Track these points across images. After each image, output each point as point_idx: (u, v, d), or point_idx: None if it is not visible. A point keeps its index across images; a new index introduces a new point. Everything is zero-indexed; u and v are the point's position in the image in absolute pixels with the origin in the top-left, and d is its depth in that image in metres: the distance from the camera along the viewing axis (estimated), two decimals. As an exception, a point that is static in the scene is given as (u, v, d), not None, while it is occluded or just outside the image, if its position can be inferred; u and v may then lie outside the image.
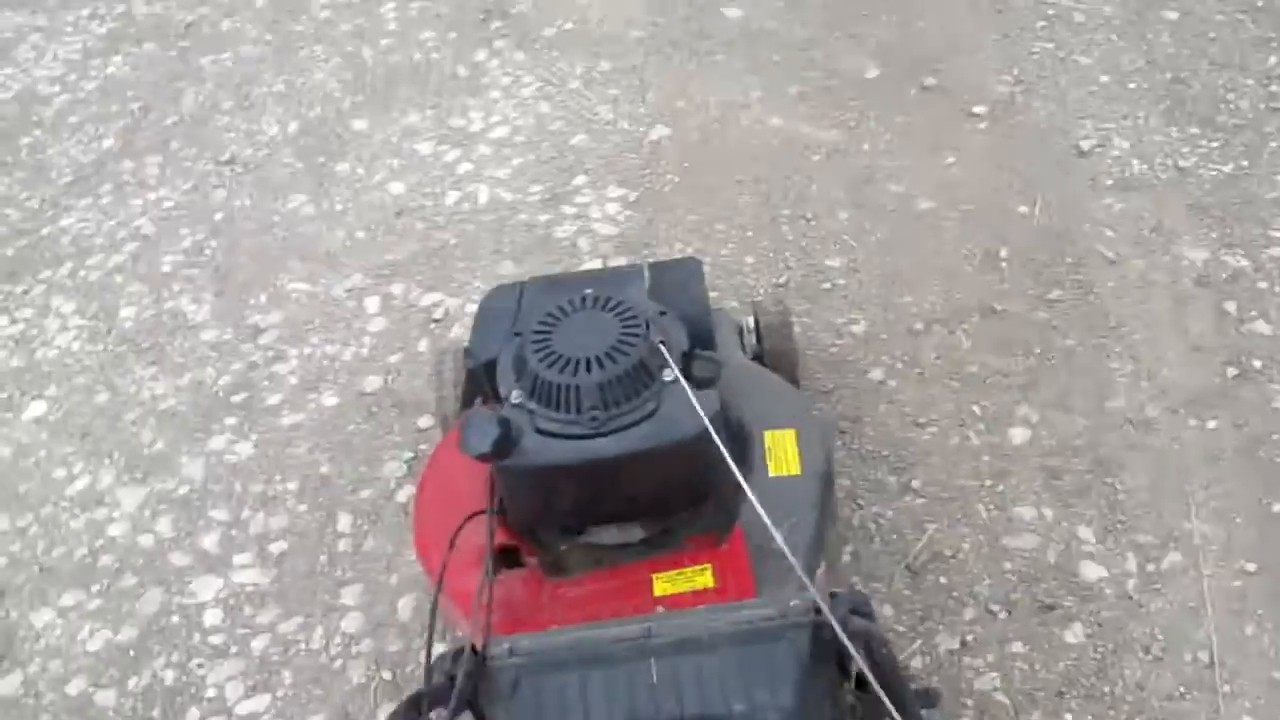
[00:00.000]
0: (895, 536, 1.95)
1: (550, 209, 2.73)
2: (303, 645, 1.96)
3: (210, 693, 1.92)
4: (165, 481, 2.29)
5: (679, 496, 1.60)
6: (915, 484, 2.03)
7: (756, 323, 2.08)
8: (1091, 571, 1.87)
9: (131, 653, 2.00)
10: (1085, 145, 2.69)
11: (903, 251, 2.49)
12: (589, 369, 1.49)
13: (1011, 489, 2.00)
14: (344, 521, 2.14)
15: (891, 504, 2.00)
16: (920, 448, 2.09)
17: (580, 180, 2.80)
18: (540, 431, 1.50)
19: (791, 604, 1.36)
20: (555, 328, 1.57)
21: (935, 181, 2.66)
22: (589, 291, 1.62)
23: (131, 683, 1.96)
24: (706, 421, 1.46)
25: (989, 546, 1.92)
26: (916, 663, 1.78)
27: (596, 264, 2.54)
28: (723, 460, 1.58)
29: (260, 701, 1.89)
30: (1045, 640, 1.79)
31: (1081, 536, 1.92)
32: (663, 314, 1.63)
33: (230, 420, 2.39)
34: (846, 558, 1.93)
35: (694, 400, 1.48)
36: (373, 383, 2.40)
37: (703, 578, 1.51)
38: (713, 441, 1.53)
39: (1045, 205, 2.54)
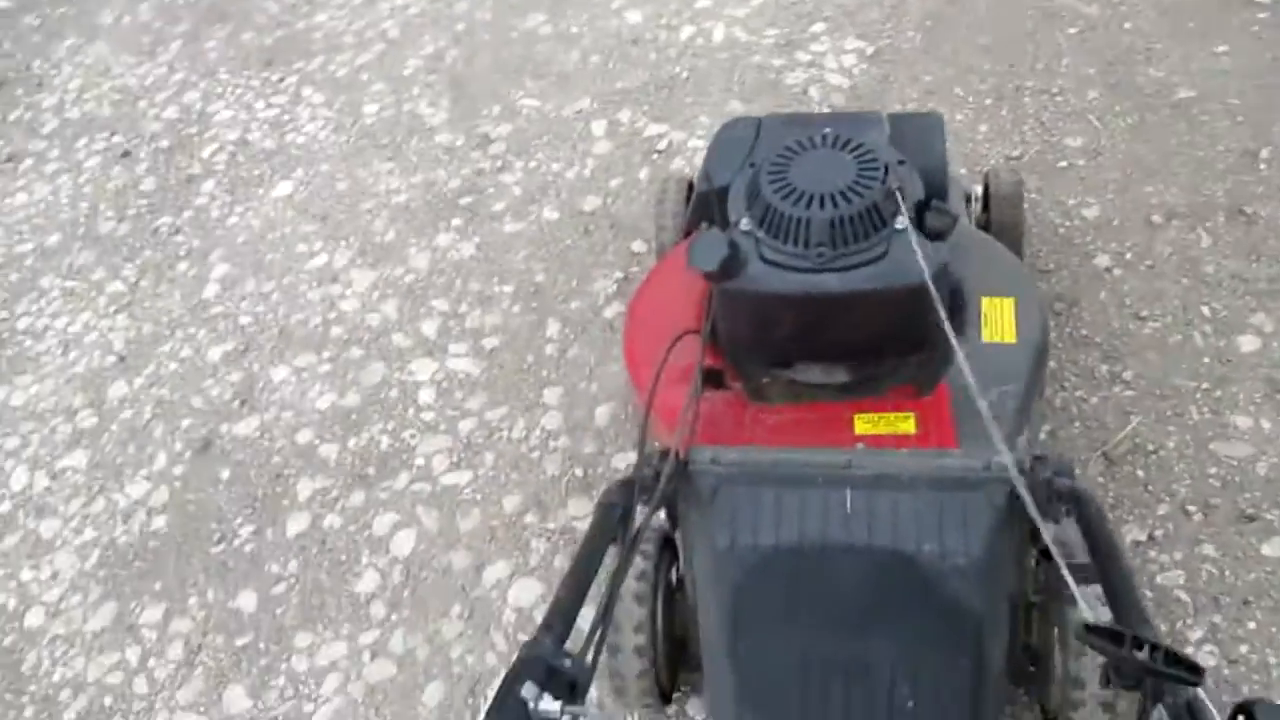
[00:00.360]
0: (1096, 424, 1.92)
1: (784, 54, 2.69)
2: (505, 433, 2.11)
3: (419, 461, 2.10)
4: (394, 269, 2.46)
5: (891, 343, 1.61)
6: (1126, 375, 1.97)
7: (986, 190, 2.03)
8: (1303, 490, 1.80)
9: (353, 416, 2.21)
10: (1382, 48, 2.45)
11: (1152, 140, 2.35)
12: (822, 205, 1.51)
13: (1230, 396, 1.93)
14: (553, 328, 2.26)
15: (1098, 391, 1.96)
16: (1137, 341, 2.02)
17: (819, 28, 2.74)
18: (766, 260, 1.53)
19: (995, 459, 1.38)
20: (793, 161, 1.58)
21: (1200, 70, 2.47)
22: (829, 130, 1.62)
23: (352, 441, 2.16)
24: (928, 274, 1.46)
25: (1195, 448, 1.87)
26: (1098, 548, 1.77)
27: (821, 109, 2.51)
28: (929, 313, 1.59)
29: (462, 476, 2.06)
30: (1240, 549, 1.74)
31: (1299, 455, 1.84)
32: (901, 162, 1.61)
33: (456, 221, 2.52)
34: (1043, 436, 1.91)
35: (922, 250, 1.48)
36: (592, 202, 2.48)
37: (905, 424, 1.54)
38: (926, 293, 1.54)
39: (1322, 108, 2.34)
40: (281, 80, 3.02)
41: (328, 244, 2.55)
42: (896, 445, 1.49)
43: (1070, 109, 2.44)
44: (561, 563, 1.90)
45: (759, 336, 1.62)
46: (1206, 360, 1.98)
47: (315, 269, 2.50)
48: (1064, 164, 2.33)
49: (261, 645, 1.91)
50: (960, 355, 1.41)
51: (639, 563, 1.58)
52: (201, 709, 1.85)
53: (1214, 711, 0.85)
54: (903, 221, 1.52)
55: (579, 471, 2.02)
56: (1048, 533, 1.18)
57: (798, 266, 1.51)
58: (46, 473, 2.26)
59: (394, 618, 1.90)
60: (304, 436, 2.19)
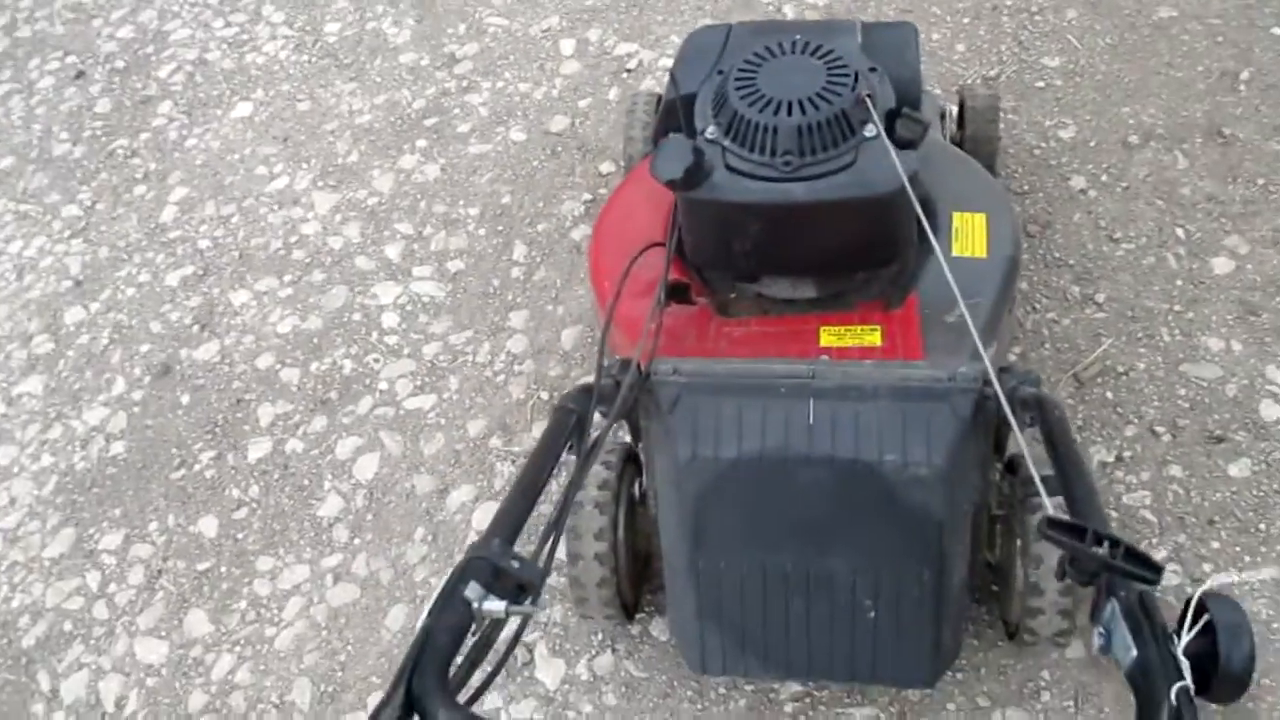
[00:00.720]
0: (1067, 346, 1.90)
1: (761, -28, 2.62)
2: (470, 357, 2.07)
3: (383, 385, 2.07)
4: (356, 191, 2.40)
5: (860, 255, 1.58)
6: (1099, 298, 1.95)
7: (962, 106, 1.99)
8: (1272, 412, 1.79)
9: (315, 340, 2.16)
10: (1367, -33, 2.40)
11: (1131, 60, 2.31)
12: (789, 112, 1.46)
13: (1202, 318, 1.91)
14: (519, 251, 2.21)
15: (1070, 313, 1.94)
16: (1111, 262, 1.99)
17: (795, -55, 2.66)
18: (731, 169, 1.49)
19: (960, 370, 1.36)
20: (761, 68, 1.53)
21: (1183, -11, 2.43)
22: (799, 37, 1.57)
23: (314, 366, 2.12)
24: (905, 179, 1.42)
25: (1165, 370, 1.85)
26: (1066, 468, 1.76)
27: (799, 33, 2.45)
28: (909, 225, 1.56)
29: (426, 400, 2.03)
30: (1206, 469, 1.74)
31: (1269, 376, 1.83)
32: (873, 70, 1.57)
33: (421, 142, 2.46)
34: (1013, 357, 1.89)
35: (895, 158, 1.44)
36: (560, 123, 2.42)
37: (871, 336, 1.51)
38: (904, 202, 1.50)
39: (1306, 28, 2.30)
40: (240, -2, 2.92)
41: (288, 166, 2.48)
42: (862, 357, 1.46)
43: (1049, 28, 2.38)
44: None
45: (724, 248, 1.58)
46: (1179, 282, 1.96)
47: (276, 191, 2.44)
48: (1041, 84, 2.28)
49: (223, 570, 1.88)
50: (943, 260, 1.39)
51: (601, 472, 1.56)
52: (162, 633, 1.83)
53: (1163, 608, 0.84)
54: (872, 129, 1.48)
55: (544, 395, 1.99)
56: (1022, 438, 1.16)
57: (764, 175, 1.47)
58: (2, 399, 2.21)
59: (357, 541, 1.87)
60: (265, 361, 2.15)
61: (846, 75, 1.49)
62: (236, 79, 2.72)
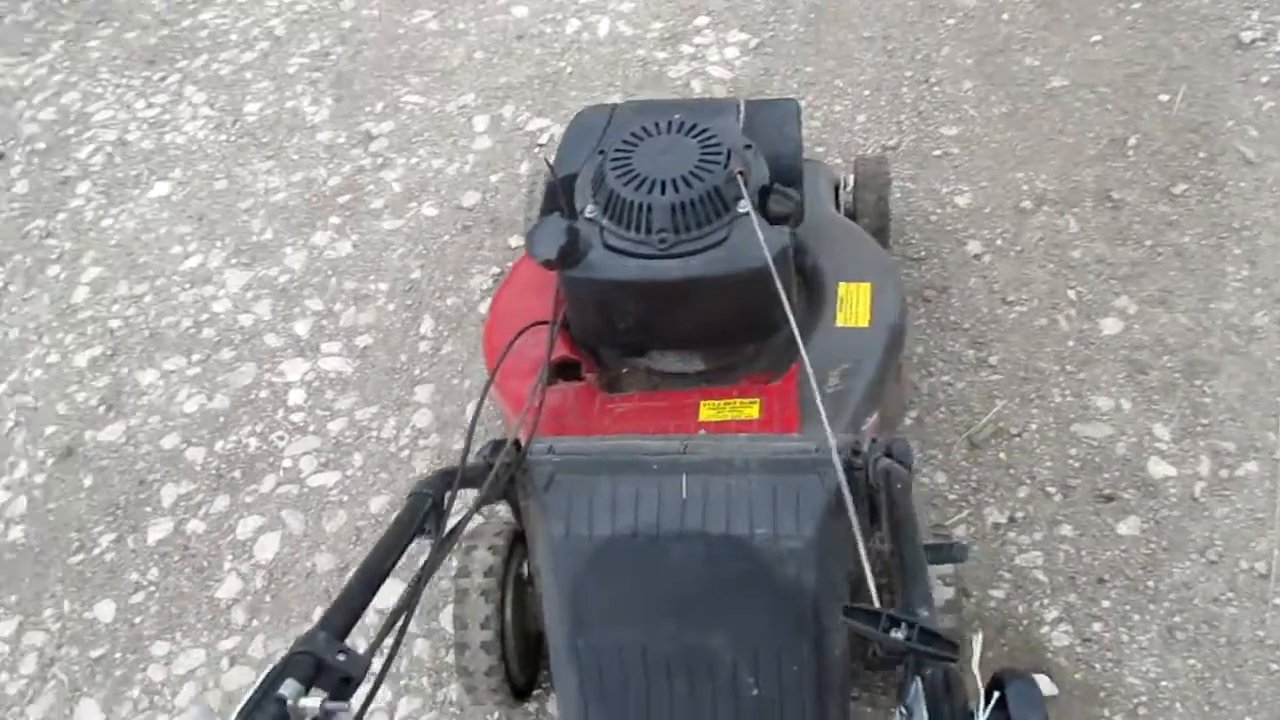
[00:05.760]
0: (961, 408, 1.93)
1: (668, 47, 2.68)
2: (375, 433, 2.07)
3: (287, 463, 2.06)
4: (269, 269, 2.40)
5: (739, 329, 1.60)
6: (992, 360, 1.98)
7: (856, 176, 2.03)
8: (1160, 469, 1.82)
9: (222, 419, 2.15)
10: (1247, 37, 2.49)
11: (1024, 128, 2.37)
12: (664, 190, 1.49)
13: (1092, 378, 1.94)
14: (427, 325, 2.23)
15: (964, 376, 1.97)
16: (1004, 325, 2.03)
17: (702, 20, 2.73)
18: (609, 247, 1.52)
19: (824, 443, 1.37)
20: (637, 148, 1.57)
21: (1074, 59, 2.50)
22: (677, 117, 1.61)
23: (219, 445, 2.11)
24: (769, 257, 1.45)
25: (1057, 431, 1.88)
26: (961, 530, 1.78)
27: (706, 106, 2.50)
28: (775, 299, 1.58)
29: (330, 477, 2.02)
30: (1097, 529, 1.76)
31: (1157, 434, 1.86)
32: (748, 147, 1.60)
33: (335, 219, 2.48)
34: (909, 422, 1.91)
35: (762, 234, 1.47)
36: (471, 198, 2.45)
37: (749, 409, 1.53)
38: (775, 276, 1.53)
39: (1188, 95, 2.37)
40: (163, 79, 2.95)
41: (203, 244, 2.49)
42: (739, 430, 1.47)
43: (945, 98, 2.45)
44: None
45: (606, 324, 1.60)
46: (1070, 343, 2.00)
47: (189, 270, 2.44)
48: (939, 152, 2.34)
49: (118, 656, 1.85)
50: (794, 327, 1.41)
51: (487, 557, 1.56)
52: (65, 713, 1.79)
53: (975, 683, 0.85)
54: (745, 205, 1.51)
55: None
56: (853, 509, 1.16)
57: (639, 253, 1.50)
58: (-98, 485, 2.18)
59: (255, 623, 1.85)
60: (170, 441, 2.13)
61: (719, 153, 1.53)
62: (155, 159, 2.73)
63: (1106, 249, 2.13)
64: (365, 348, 2.21)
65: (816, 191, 1.94)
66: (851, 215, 2.01)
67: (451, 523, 1.27)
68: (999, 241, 2.17)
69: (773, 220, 1.52)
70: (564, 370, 1.71)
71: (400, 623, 1.04)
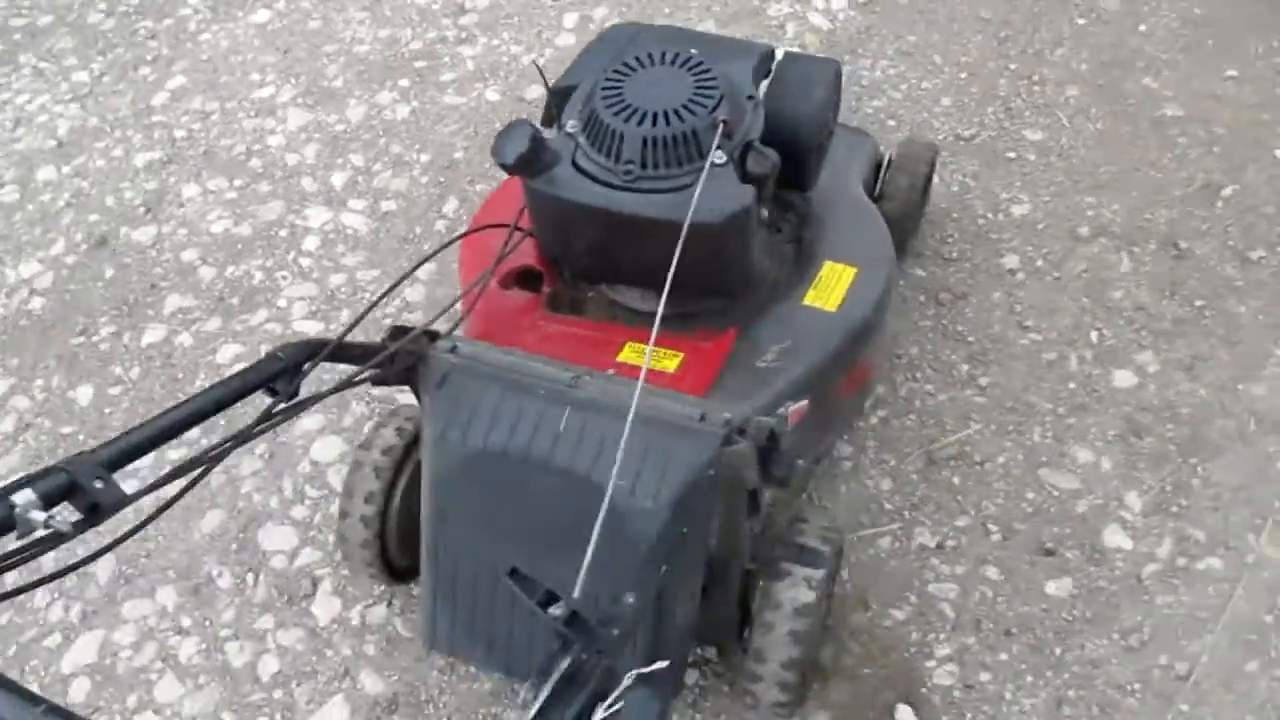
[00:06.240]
0: (933, 421, 1.84)
1: (781, -18, 2.57)
2: (369, 295, 2.11)
3: (281, 303, 2.12)
4: (328, 115, 2.45)
5: (690, 281, 1.54)
6: (983, 380, 1.88)
7: (895, 158, 1.93)
8: (1115, 539, 1.70)
9: (239, 246, 2.23)
10: (1405, 109, 2.22)
11: (1115, 151, 2.20)
12: (640, 121, 1.44)
13: (1081, 426, 1.82)
14: (451, 205, 2.24)
15: (949, 390, 1.87)
16: (1011, 349, 1.91)
17: (822, -36, 2.61)
18: (576, 166, 1.48)
19: (719, 414, 1.33)
20: (634, 74, 1.52)
21: (1198, 91, 2.29)
22: (693, 52, 1.54)
23: (230, 269, 2.19)
24: (721, 215, 1.40)
25: (1023, 470, 1.77)
26: (884, 543, 1.71)
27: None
28: (742, 260, 1.53)
29: (314, 326, 2.07)
30: (1024, 579, 1.66)
31: (1127, 502, 1.73)
32: (750, 98, 1.54)
33: (404, 82, 2.50)
34: (874, 420, 1.84)
35: (724, 190, 1.42)
36: (535, 91, 2.43)
37: (668, 362, 1.49)
38: (734, 237, 1.48)
39: (1312, 158, 2.15)
40: (299, -89, 3.00)
41: (279, 78, 2.55)
42: (652, 380, 1.43)
43: (1043, 100, 2.28)
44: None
45: (562, 243, 1.58)
46: (1072, 385, 1.87)
47: (258, 99, 2.51)
48: (1013, 155, 2.19)
49: (81, 438, 1.97)
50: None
51: (390, 437, 1.59)
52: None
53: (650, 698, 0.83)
54: (721, 156, 1.45)
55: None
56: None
57: (603, 179, 1.46)
58: (-42, 235, 2.35)
59: (204, 442, 1.94)
60: (189, 255, 2.23)
61: (709, 97, 1.46)
62: (266, -14, 2.80)
63: (1151, 298, 1.97)
64: (387, 212, 2.25)
65: (845, 162, 1.85)
66: (876, 196, 1.91)
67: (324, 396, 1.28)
68: (1039, 262, 2.03)
69: (746, 179, 1.46)
70: (526, 279, 1.70)
71: (198, 473, 1.07)
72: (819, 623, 1.45)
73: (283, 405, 1.22)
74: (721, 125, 1.45)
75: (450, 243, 1.56)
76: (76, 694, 1.67)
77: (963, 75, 2.34)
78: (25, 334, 2.14)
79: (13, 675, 1.65)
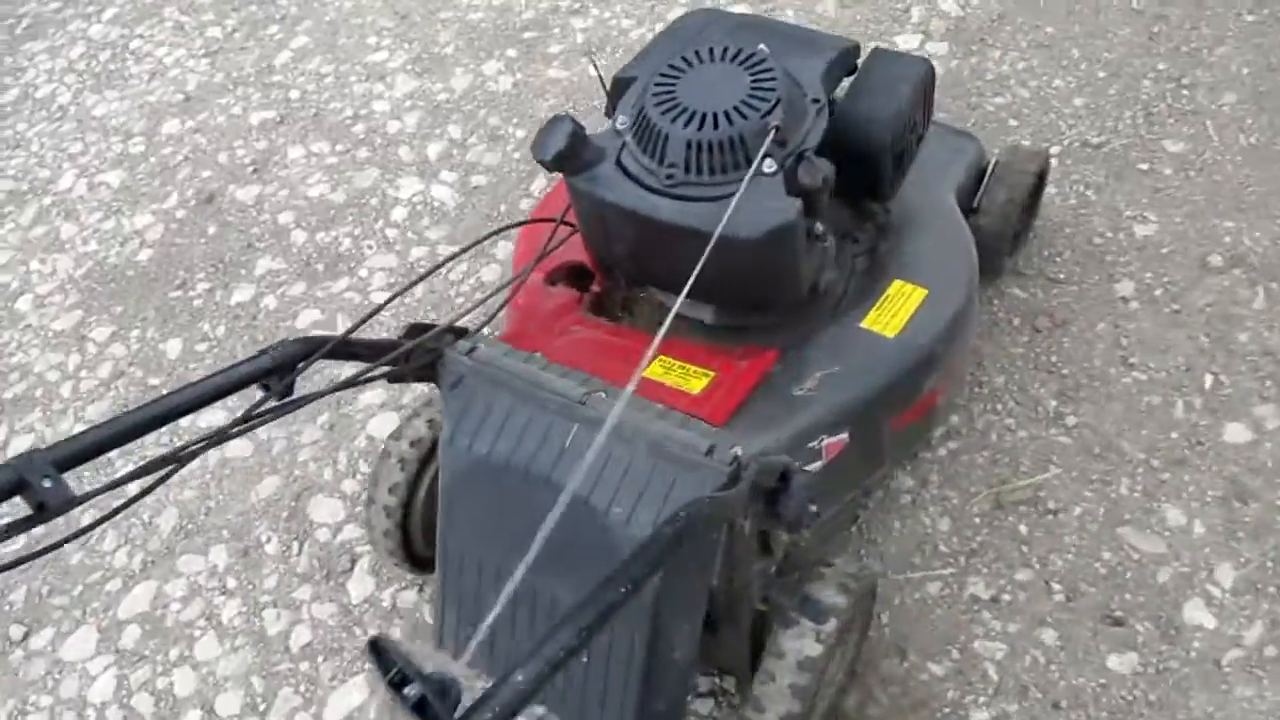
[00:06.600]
0: (1007, 460, 1.68)
1: (911, -38, 2.39)
2: (446, 272, 2.10)
3: (363, 272, 2.14)
4: (434, 83, 2.45)
5: (731, 295, 1.46)
6: (1070, 420, 1.70)
7: (995, 166, 1.76)
8: (1197, 615, 1.52)
9: (332, 212, 2.26)
10: None
11: (1269, 171, 1.94)
12: (687, 123, 1.35)
13: (1177, 484, 1.63)
14: (539, 184, 2.20)
15: (1031, 426, 1.71)
16: (1110, 387, 1.73)
17: (962, -58, 2.40)
18: (620, 165, 1.41)
19: (729, 448, 1.24)
20: (691, 70, 1.42)
21: (1389, 105, 2.00)
22: (750, 48, 1.43)
23: (320, 235, 2.22)
24: (760, 230, 1.30)
25: (1100, 526, 1.60)
26: (932, 588, 1.59)
27: (914, 40, 2.22)
28: (790, 276, 1.43)
29: (382, 297, 2.07)
30: (1084, 649, 1.51)
31: (1217, 575, 1.55)
32: (815, 101, 1.42)
33: (511, 52, 2.46)
34: (943, 451, 1.70)
35: (770, 203, 1.31)
36: (637, 70, 2.35)
37: (694, 382, 1.40)
38: (779, 253, 1.37)
39: None
40: None
41: (394, 42, 2.56)
42: (665, 398, 1.36)
43: (1191, 107, 2.04)
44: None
45: (603, 244, 1.50)
46: (1175, 435, 1.67)
47: (371, 63, 2.53)
48: (1146, 167, 1.97)
49: (165, 391, 2.05)
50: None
51: (420, 428, 1.57)
52: (104, 427, 2.03)
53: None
54: (772, 165, 1.34)
55: (488, 331, 1.99)
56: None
57: (645, 182, 1.38)
58: (89, 183, 2.47)
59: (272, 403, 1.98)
60: (285, 217, 2.27)
61: (765, 99, 1.36)
62: (396, -53, 2.81)
63: (1283, 343, 1.74)
64: (476, 187, 2.23)
65: (941, 168, 1.70)
66: (972, 209, 1.75)
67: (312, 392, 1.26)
68: (1158, 291, 1.82)
69: (792, 189, 1.34)
70: (576, 276, 1.64)
71: (165, 472, 1.06)
72: (830, 676, 1.35)
73: (272, 404, 1.21)
74: (774, 131, 1.34)
75: (485, 238, 1.52)
76: (127, 640, 1.74)
77: (1101, 73, 2.12)
78: (131, 283, 2.24)
79: (74, 614, 1.75)
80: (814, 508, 1.23)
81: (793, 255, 1.38)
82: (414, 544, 1.60)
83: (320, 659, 1.67)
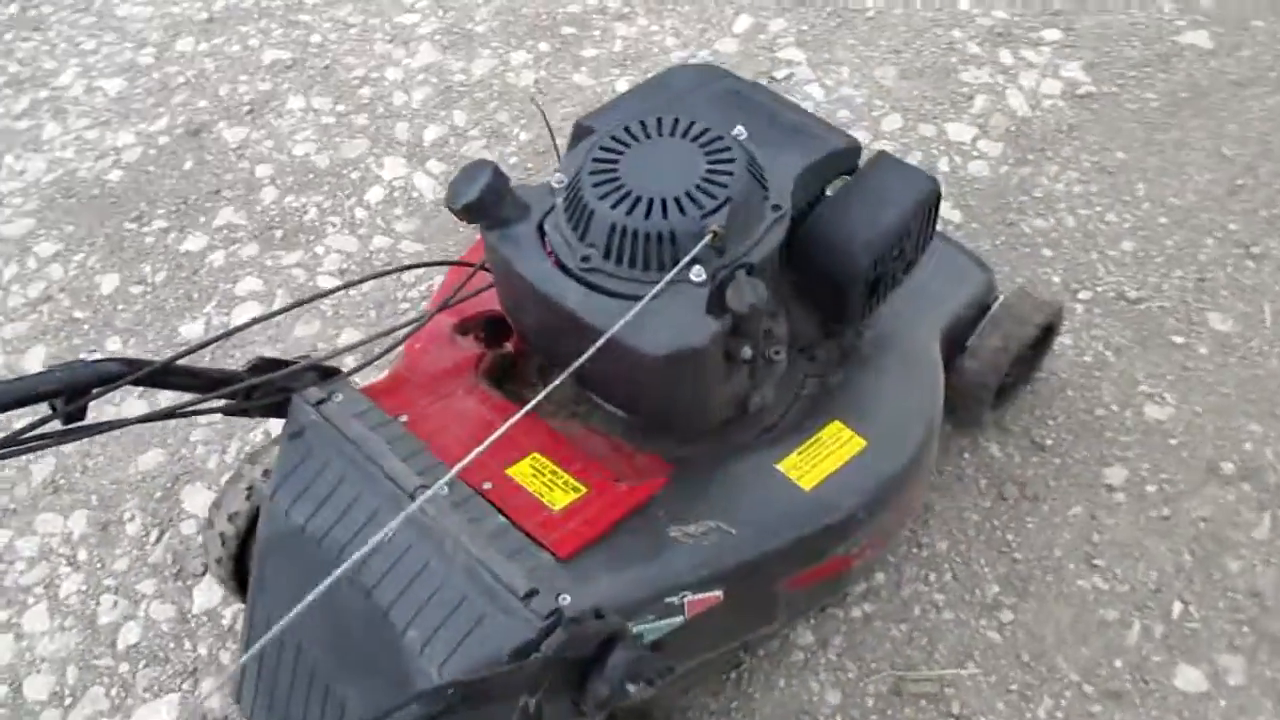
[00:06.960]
0: (926, 643, 1.47)
1: (989, 44, 2.14)
2: (400, 274, 1.94)
3: (319, 249, 1.99)
4: (454, 62, 2.28)
5: (630, 404, 1.28)
6: (1006, 615, 1.48)
7: (994, 310, 1.53)
8: None
9: (310, 176, 2.11)
10: None
11: (1326, 375, 1.69)
12: (617, 203, 1.17)
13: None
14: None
15: (960, 610, 1.49)
16: (1061, 587, 1.50)
17: (1053, 34, 2.15)
18: (540, 230, 1.23)
19: (549, 598, 1.06)
20: (643, 141, 1.23)
21: None
22: (723, 128, 1.23)
23: (289, 199, 2.08)
24: (661, 350, 1.11)
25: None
26: (799, 767, 1.40)
27: (968, 132, 1.99)
28: (691, 398, 1.24)
29: (332, 283, 1.93)
30: None
31: (1121, 841, 1.33)
32: (776, 208, 1.22)
33: (543, 46, 2.28)
34: (856, 612, 1.50)
35: (684, 320, 1.12)
36: (665, 96, 2.15)
37: (559, 495, 1.22)
38: (680, 374, 1.18)
39: None
40: None
41: (430, 8, 2.40)
42: (516, 508, 1.18)
43: (1253, 281, 1.78)
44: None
45: (510, 308, 1.33)
46: (1118, 663, 1.45)
47: (399, 25, 2.37)
48: (1181, 340, 1.72)
49: (86, 328, 1.93)
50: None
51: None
52: (20, 351, 1.92)
53: None
54: (700, 273, 1.15)
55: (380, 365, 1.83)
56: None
57: (559, 255, 1.20)
58: (87, 85, 2.36)
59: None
60: (263, 170, 2.13)
61: (713, 195, 1.16)
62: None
63: (1276, 588, 1.50)
64: (460, 185, 2.06)
65: (931, 298, 1.48)
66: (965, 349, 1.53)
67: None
68: (1151, 488, 1.59)
69: (712, 306, 1.15)
70: (493, 330, 1.47)
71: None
72: None
73: (55, 428, 1.06)
74: (711, 235, 1.15)
75: (402, 270, 1.36)
76: (-41, 585, 1.64)
77: (1163, 219, 1.87)
78: (91, 203, 2.12)
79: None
80: (634, 688, 1.05)
81: (698, 382, 1.19)
82: (245, 575, 1.46)
83: (141, 664, 1.55)
